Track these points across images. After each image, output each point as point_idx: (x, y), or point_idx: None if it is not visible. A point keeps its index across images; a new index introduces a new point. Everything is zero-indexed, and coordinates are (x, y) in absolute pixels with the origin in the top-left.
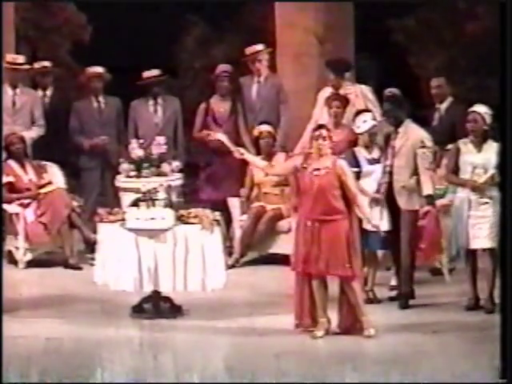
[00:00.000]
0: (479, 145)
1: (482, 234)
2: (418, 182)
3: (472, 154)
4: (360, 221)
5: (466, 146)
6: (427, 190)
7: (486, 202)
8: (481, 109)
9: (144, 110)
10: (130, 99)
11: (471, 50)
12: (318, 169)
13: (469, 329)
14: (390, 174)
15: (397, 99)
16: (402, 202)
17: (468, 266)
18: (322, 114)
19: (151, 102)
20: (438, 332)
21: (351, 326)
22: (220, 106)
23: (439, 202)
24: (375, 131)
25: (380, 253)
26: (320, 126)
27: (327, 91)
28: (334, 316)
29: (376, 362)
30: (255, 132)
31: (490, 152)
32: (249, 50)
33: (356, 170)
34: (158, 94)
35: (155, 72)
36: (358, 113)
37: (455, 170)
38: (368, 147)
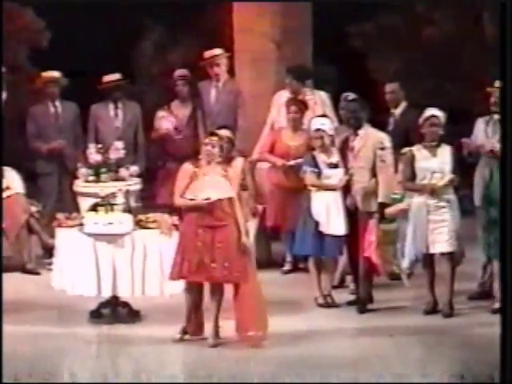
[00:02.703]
0: (434, 149)
1: (441, 238)
2: (377, 184)
3: (427, 159)
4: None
5: (420, 153)
6: (381, 197)
7: (444, 206)
8: (438, 113)
9: (104, 114)
10: (89, 104)
11: (429, 54)
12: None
13: (426, 333)
14: (350, 175)
15: (360, 102)
16: (362, 203)
17: (426, 270)
18: (278, 117)
19: (111, 106)
20: (396, 336)
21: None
22: (180, 111)
23: (397, 207)
24: (322, 135)
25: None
26: (212, 134)
27: (283, 95)
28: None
29: (334, 365)
30: None
31: (445, 155)
32: (207, 54)
33: (316, 170)
34: (119, 99)
35: (116, 76)
36: (315, 117)
37: (412, 176)
38: (325, 151)
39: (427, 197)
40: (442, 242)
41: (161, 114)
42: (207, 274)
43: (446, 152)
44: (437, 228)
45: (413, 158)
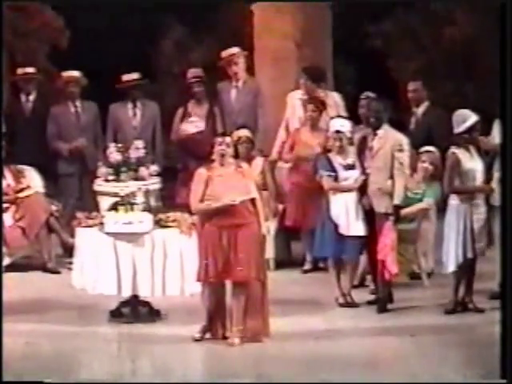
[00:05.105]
0: (469, 150)
1: (484, 238)
2: (393, 186)
3: (469, 160)
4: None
5: (463, 154)
6: (397, 199)
7: (482, 205)
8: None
9: (123, 114)
10: (108, 103)
11: (449, 54)
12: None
13: (447, 332)
14: (367, 175)
15: (383, 102)
16: (378, 204)
17: (460, 270)
18: (292, 117)
19: (130, 106)
20: (416, 335)
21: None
22: (196, 111)
23: (417, 207)
24: (341, 137)
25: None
26: (224, 133)
27: (295, 95)
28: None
29: (354, 365)
30: (234, 137)
31: (476, 154)
32: (224, 53)
33: (332, 174)
34: (137, 98)
35: (134, 76)
36: (334, 118)
37: (457, 179)
38: (341, 153)
39: (469, 198)
40: (484, 242)
41: (180, 113)
42: (233, 274)
43: (474, 151)
44: (479, 227)
45: (458, 160)
